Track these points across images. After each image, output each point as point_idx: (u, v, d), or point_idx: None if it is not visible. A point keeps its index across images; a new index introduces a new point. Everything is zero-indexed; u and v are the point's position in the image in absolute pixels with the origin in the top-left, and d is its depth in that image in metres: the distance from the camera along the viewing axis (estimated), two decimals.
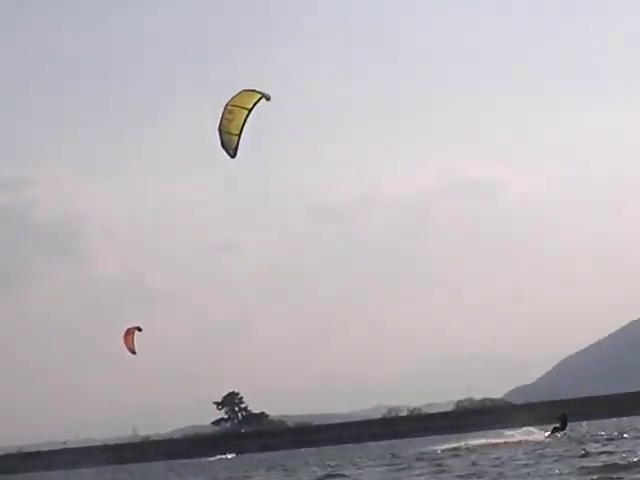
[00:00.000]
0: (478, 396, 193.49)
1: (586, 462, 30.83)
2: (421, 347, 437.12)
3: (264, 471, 54.94)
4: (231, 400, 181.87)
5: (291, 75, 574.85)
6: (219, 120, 27.65)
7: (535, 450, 42.78)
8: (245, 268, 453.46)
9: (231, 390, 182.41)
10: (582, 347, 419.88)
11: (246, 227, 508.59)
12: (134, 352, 51.55)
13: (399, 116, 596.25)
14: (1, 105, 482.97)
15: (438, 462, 40.60)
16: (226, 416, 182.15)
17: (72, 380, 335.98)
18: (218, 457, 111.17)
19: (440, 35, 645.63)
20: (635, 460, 28.68)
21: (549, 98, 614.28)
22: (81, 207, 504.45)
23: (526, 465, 33.14)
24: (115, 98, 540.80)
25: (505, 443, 53.07)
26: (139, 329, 51.90)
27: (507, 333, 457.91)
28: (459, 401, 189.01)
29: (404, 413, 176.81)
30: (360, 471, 41.98)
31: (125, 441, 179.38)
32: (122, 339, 51.76)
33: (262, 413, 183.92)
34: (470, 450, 50.10)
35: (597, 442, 45.92)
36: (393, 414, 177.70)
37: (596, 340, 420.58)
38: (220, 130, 27.65)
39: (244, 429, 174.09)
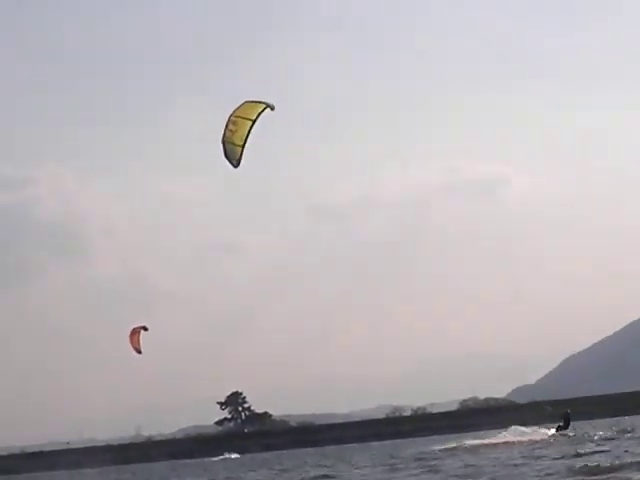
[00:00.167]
0: (481, 396, 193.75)
1: (576, 463, 30.73)
2: (421, 347, 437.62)
3: (265, 471, 54.81)
4: (235, 400, 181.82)
5: (291, 75, 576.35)
6: (223, 131, 27.63)
7: (534, 450, 42.71)
8: (245, 268, 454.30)
9: (234, 390, 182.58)
10: (584, 346, 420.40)
11: (246, 227, 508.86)
12: (140, 351, 51.50)
13: (399, 116, 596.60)
14: (1, 105, 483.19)
15: (433, 462, 40.50)
16: (229, 416, 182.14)
17: (74, 380, 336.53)
18: (221, 457, 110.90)
19: (440, 35, 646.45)
20: (627, 462, 28.44)
21: (549, 98, 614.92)
22: (82, 207, 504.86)
23: (516, 465, 33.17)
24: (115, 98, 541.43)
25: (505, 443, 52.90)
26: (145, 328, 51.88)
27: (507, 333, 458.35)
28: (463, 400, 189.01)
29: (408, 413, 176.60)
30: (357, 471, 41.88)
31: (128, 441, 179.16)
32: (128, 338, 51.67)
33: (265, 413, 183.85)
34: (468, 450, 49.98)
35: (593, 442, 45.79)
36: (397, 414, 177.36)
37: (598, 339, 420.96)
38: (224, 141, 27.66)
39: (247, 429, 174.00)
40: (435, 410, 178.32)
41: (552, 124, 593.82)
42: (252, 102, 27.65)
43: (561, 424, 61.34)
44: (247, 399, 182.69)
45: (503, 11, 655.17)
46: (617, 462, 28.48)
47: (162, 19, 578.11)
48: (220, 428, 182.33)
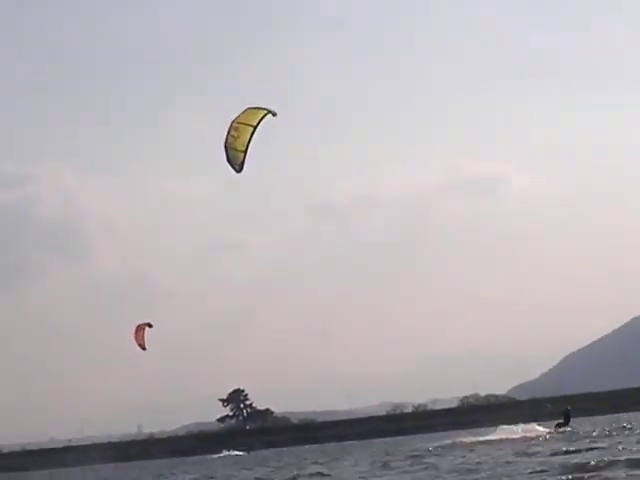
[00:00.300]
0: (481, 392, 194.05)
1: (567, 460, 30.93)
2: (421, 347, 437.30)
3: (261, 468, 55.02)
4: (236, 397, 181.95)
5: (291, 75, 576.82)
6: (225, 137, 27.98)
7: (529, 447, 42.89)
8: (245, 268, 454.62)
9: (236, 387, 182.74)
10: (584, 344, 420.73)
11: (246, 227, 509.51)
12: (144, 348, 51.91)
13: (399, 116, 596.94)
14: (1, 105, 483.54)
15: (426, 460, 40.72)
16: (231, 413, 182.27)
17: (75, 380, 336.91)
18: (225, 454, 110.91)
19: (440, 35, 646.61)
20: (618, 459, 28.59)
21: (549, 98, 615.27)
22: (82, 206, 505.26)
23: (509, 462, 33.39)
24: (115, 98, 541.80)
25: (500, 440, 53.11)
26: (149, 325, 52.22)
27: (507, 333, 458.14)
28: (464, 397, 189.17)
29: (409, 409, 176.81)
30: (353, 468, 42.13)
31: (130, 439, 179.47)
32: (133, 335, 52.05)
33: (267, 410, 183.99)
34: (462, 447, 50.17)
35: (589, 439, 45.98)
36: (398, 411, 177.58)
37: (598, 337, 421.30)
38: (226, 147, 27.98)
39: (249, 426, 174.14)
40: (436, 407, 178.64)
41: (552, 124, 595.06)
42: (254, 108, 27.95)
43: (561, 421, 61.75)
44: (249, 396, 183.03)
45: (503, 11, 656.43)
46: (607, 459, 28.60)
47: (162, 19, 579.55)
48: (222, 425, 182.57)
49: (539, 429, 58.60)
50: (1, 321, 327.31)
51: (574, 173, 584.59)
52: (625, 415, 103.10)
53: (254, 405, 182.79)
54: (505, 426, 59.50)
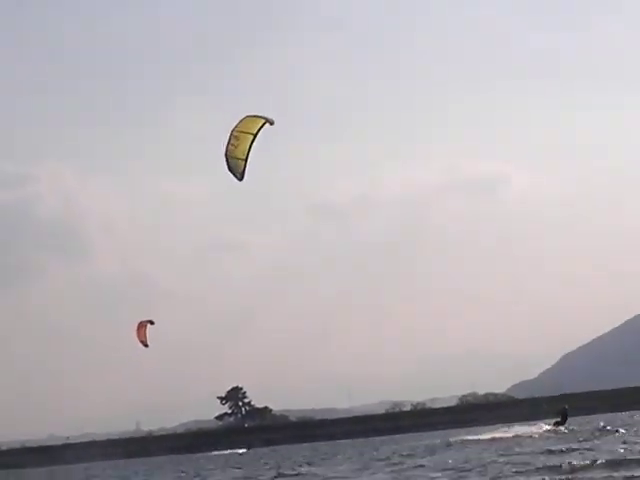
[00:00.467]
0: (480, 391, 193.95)
1: (547, 461, 31.01)
2: (421, 346, 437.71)
3: (249, 467, 55.17)
4: (235, 395, 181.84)
5: (291, 75, 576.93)
6: (225, 146, 28.32)
7: (518, 446, 43.04)
8: (245, 268, 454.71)
9: (234, 385, 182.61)
10: (583, 343, 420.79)
11: (246, 227, 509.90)
12: (146, 345, 52.11)
13: (399, 116, 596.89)
14: (1, 105, 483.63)
15: (409, 461, 40.80)
16: (230, 411, 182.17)
17: (75, 379, 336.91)
18: (230, 452, 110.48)
19: (440, 35, 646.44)
20: (601, 461, 28.65)
21: (549, 98, 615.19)
22: (82, 206, 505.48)
23: (489, 463, 33.46)
24: (115, 98, 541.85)
25: (492, 439, 53.23)
26: (151, 322, 52.38)
27: (507, 332, 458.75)
28: (463, 396, 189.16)
29: (408, 408, 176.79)
30: (338, 467, 42.20)
31: (128, 436, 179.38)
32: (135, 332, 52.26)
33: (266, 408, 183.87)
34: (451, 447, 50.29)
35: (581, 438, 46.14)
36: (397, 409, 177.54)
37: (598, 336, 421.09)
38: (227, 156, 28.35)
39: (247, 424, 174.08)
40: (435, 405, 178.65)
41: (552, 124, 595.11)
42: (252, 117, 28.41)
43: (558, 419, 61.89)
44: (247, 394, 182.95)
45: (503, 11, 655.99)
46: (588, 461, 28.69)
47: (162, 19, 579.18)
48: (220, 423, 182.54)
49: (533, 428, 58.85)
50: (1, 321, 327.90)
51: (574, 173, 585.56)
52: (623, 414, 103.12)
53: (252, 403, 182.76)
54: (502, 425, 59.76)
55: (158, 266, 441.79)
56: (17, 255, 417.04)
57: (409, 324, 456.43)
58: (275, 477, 39.93)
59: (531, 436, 53.57)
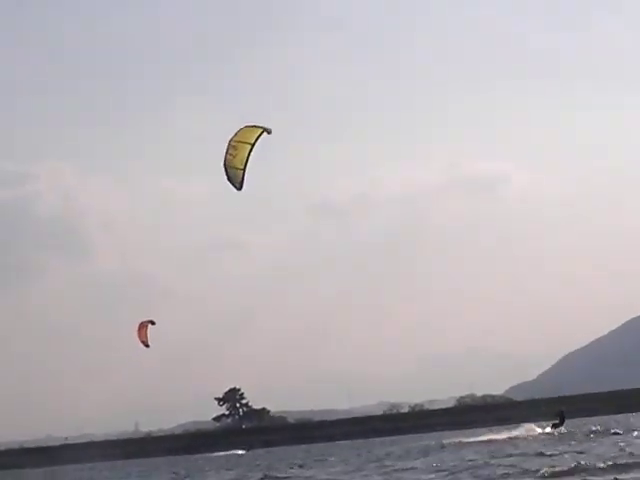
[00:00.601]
0: (479, 393, 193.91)
1: (534, 464, 31.03)
2: (421, 346, 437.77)
3: (240, 468, 55.20)
4: (232, 396, 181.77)
5: (291, 75, 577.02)
6: (224, 156, 28.62)
7: (510, 448, 43.06)
8: (245, 267, 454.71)
9: (232, 386, 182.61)
10: (583, 344, 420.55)
11: (246, 227, 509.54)
12: (147, 345, 52.11)
13: (399, 116, 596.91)
14: (1, 105, 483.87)
15: (401, 461, 40.85)
16: (227, 412, 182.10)
17: (74, 379, 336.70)
18: (231, 452, 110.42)
19: (440, 35, 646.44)
20: (587, 465, 28.66)
21: (549, 98, 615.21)
22: (82, 206, 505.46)
23: (478, 467, 33.46)
24: (115, 98, 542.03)
25: (489, 441, 53.30)
26: (152, 322, 52.38)
27: (507, 332, 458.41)
28: (461, 397, 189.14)
29: (405, 409, 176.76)
30: (331, 469, 42.21)
31: (127, 437, 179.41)
32: (136, 332, 52.26)
33: (263, 409, 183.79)
34: (444, 449, 50.31)
35: (574, 440, 46.14)
36: (394, 411, 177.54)
37: (597, 337, 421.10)
38: (225, 165, 28.71)
39: (245, 425, 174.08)
40: (434, 407, 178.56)
41: (552, 124, 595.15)
42: (250, 127, 28.65)
43: (556, 421, 61.95)
44: (245, 395, 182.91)
45: (503, 11, 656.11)
46: (575, 464, 28.71)
47: (162, 19, 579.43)
48: (218, 424, 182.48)
49: (534, 430, 58.89)
50: (1, 321, 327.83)
51: (574, 173, 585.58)
52: (622, 417, 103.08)
53: (250, 404, 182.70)
54: (501, 427, 59.82)
55: (158, 266, 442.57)
56: (17, 255, 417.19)
57: (409, 324, 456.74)
58: (262, 479, 39.96)
59: (526, 438, 53.62)
